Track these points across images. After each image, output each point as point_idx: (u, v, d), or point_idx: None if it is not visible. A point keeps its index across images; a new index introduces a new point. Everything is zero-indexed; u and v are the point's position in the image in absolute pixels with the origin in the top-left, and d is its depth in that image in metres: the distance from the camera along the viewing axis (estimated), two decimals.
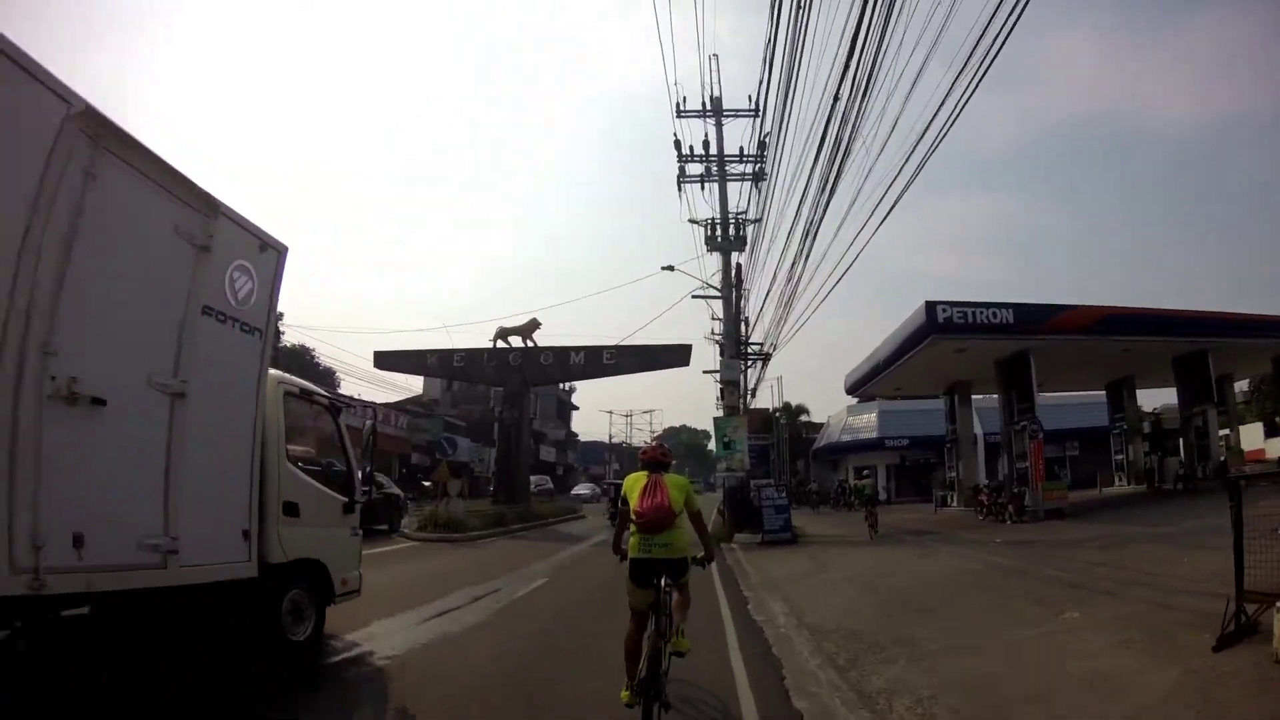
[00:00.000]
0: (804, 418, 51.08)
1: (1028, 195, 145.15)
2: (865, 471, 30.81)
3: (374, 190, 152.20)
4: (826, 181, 11.93)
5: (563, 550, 16.02)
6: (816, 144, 11.81)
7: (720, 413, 21.61)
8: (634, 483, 4.56)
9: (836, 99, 9.72)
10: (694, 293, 22.13)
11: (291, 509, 5.38)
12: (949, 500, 25.10)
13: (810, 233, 14.18)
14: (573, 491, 48.47)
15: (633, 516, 4.41)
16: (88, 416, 3.57)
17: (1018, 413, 19.63)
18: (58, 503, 3.41)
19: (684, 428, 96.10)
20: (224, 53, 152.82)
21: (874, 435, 38.07)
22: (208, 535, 4.41)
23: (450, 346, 28.26)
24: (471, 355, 27.81)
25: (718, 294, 21.32)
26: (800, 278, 16.32)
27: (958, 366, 21.76)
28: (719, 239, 20.81)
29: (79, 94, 3.55)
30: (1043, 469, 18.38)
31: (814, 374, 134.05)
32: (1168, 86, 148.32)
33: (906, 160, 9.24)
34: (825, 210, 12.93)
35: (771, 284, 20.30)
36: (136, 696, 4.31)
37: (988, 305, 18.27)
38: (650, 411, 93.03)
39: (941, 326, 18.21)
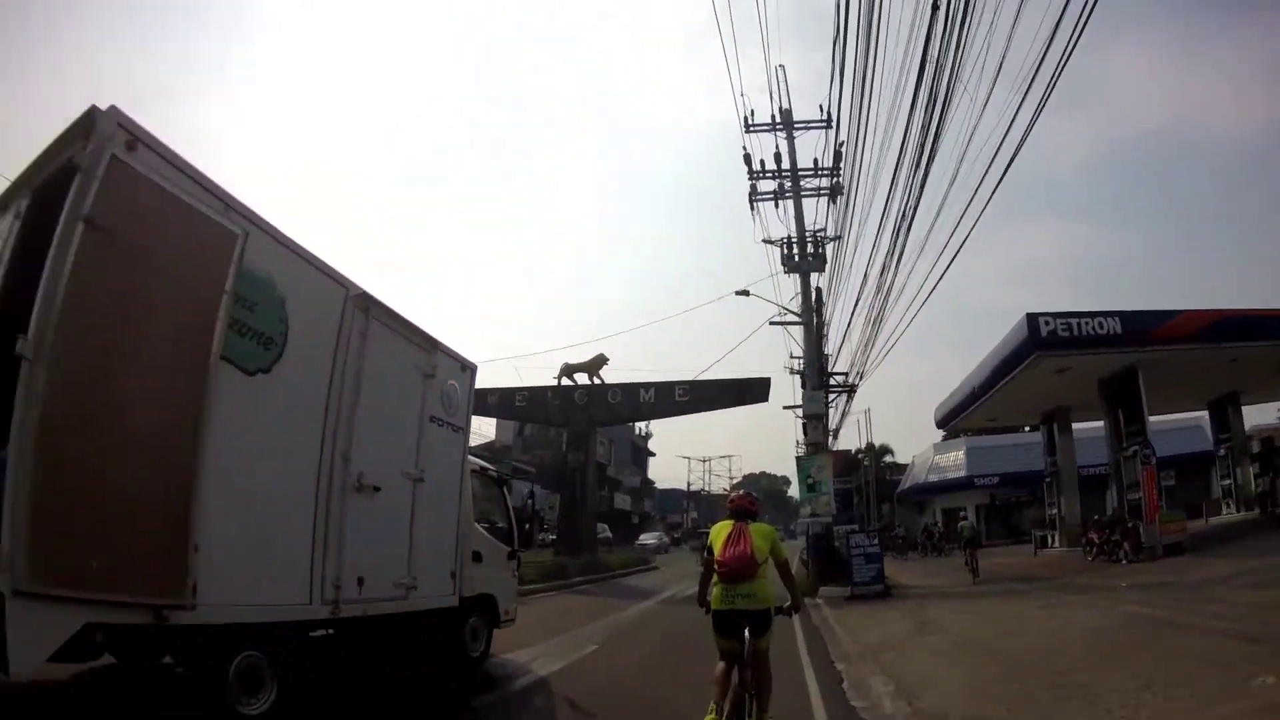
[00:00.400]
0: (888, 458, 52.20)
1: (1097, 218, 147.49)
2: (963, 512, 31.90)
3: (375, 190, 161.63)
4: (923, 148, 11.77)
5: (627, 607, 16.32)
6: (907, 106, 11.86)
7: (802, 451, 22.31)
8: (719, 531, 5.07)
9: (935, 7, 9.48)
10: (772, 319, 22.69)
11: (478, 556, 8.19)
12: (1050, 540, 25.49)
13: (903, 221, 14.25)
14: (638, 541, 49.51)
15: (715, 566, 4.91)
16: (369, 499, 6.10)
17: (1126, 436, 19.94)
18: (350, 557, 5.89)
19: (763, 474, 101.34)
20: (224, 53, 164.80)
21: (962, 474, 39.07)
22: (431, 576, 7.04)
23: (512, 385, 29.77)
24: (534, 394, 29.27)
25: (797, 319, 21.88)
26: (891, 285, 16.75)
27: (1058, 389, 22.13)
28: (796, 258, 21.52)
29: (354, 281, 6.12)
30: (1157, 499, 18.55)
31: (894, 413, 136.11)
32: (1232, 94, 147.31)
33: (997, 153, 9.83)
34: (922, 189, 12.81)
35: (859, 297, 21.06)
36: (371, 688, 6.96)
37: (1093, 315, 18.81)
38: (728, 457, 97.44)
39: (1045, 341, 18.71)
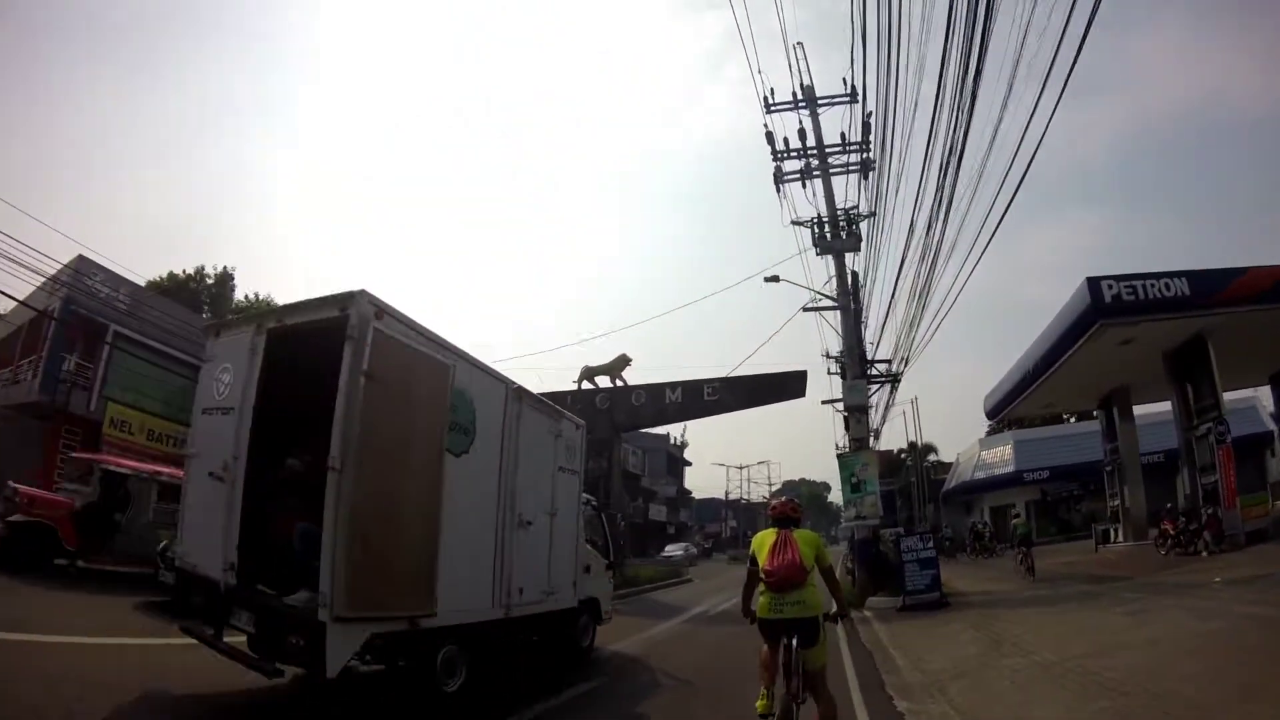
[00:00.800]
0: (932, 457, 55.70)
1: (1130, 206, 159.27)
2: (1014, 509, 34.73)
3: (375, 190, 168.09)
4: (968, 63, 12.24)
5: (648, 629, 16.70)
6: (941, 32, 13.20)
7: (844, 446, 24.22)
8: (762, 540, 5.76)
9: None
10: (805, 305, 24.44)
11: (587, 568, 12.58)
12: (1113, 534, 27.72)
13: (951, 155, 14.98)
14: (662, 553, 52.52)
15: (762, 575, 5.53)
16: (525, 532, 10.38)
17: (1197, 414, 22.08)
18: (515, 573, 10.09)
19: (803, 480, 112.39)
20: (225, 53, 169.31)
21: (1011, 469, 42.26)
22: (561, 585, 11.40)
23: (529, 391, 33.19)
24: (553, 400, 31.88)
25: (833, 303, 23.60)
26: (939, 245, 18.09)
27: (1119, 366, 24.66)
28: (828, 238, 23.30)
29: (509, 377, 10.30)
30: (1234, 481, 20.41)
31: (934, 416, 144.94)
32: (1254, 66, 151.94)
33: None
34: (972, 108, 13.11)
35: (903, 260, 22.47)
36: (515, 669, 11.02)
37: (1159, 276, 20.69)
38: (765, 463, 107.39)
39: (1109, 308, 20.50)
